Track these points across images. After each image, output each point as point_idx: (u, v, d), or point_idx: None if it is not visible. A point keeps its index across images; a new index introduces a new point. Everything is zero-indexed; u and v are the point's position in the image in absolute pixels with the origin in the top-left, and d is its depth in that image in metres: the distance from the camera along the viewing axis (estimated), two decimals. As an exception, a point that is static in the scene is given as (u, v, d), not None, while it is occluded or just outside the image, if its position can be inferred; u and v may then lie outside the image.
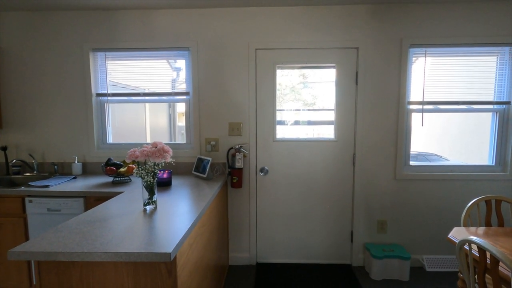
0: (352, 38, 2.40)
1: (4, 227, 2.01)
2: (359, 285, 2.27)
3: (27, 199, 1.96)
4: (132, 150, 1.42)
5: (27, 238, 2.01)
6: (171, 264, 1.09)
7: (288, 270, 2.49)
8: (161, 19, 2.44)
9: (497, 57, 2.40)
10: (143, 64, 2.54)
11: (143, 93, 2.54)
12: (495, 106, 2.44)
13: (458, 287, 1.65)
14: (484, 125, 2.55)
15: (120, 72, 2.56)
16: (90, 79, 2.49)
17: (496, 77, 2.41)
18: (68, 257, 1.02)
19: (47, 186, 2.03)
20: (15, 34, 2.49)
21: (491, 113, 2.49)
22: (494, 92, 2.43)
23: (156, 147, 1.44)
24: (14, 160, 2.40)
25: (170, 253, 1.01)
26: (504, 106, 2.43)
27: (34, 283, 2.03)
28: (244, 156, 2.51)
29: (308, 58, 2.45)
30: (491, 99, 2.43)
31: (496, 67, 2.41)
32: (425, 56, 2.42)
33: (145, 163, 1.45)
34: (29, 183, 2.09)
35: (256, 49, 2.44)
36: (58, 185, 2.09)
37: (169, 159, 1.47)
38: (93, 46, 2.47)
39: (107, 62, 2.53)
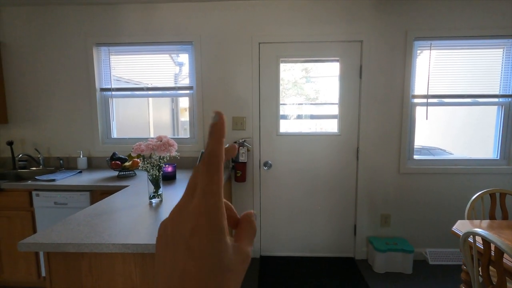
0: (356, 31, 2.38)
1: (13, 221, 2.05)
2: (362, 278, 2.29)
3: (34, 193, 1.98)
4: (137, 143, 1.43)
5: (34, 231, 2.04)
6: (178, 256, 1.10)
7: (292, 263, 2.51)
8: (164, 13, 2.43)
9: (503, 50, 2.37)
10: (147, 59, 2.54)
11: (147, 88, 2.55)
12: (500, 99, 2.42)
13: (461, 280, 1.66)
14: (489, 119, 2.53)
15: (124, 66, 2.57)
16: (94, 73, 2.50)
17: (502, 70, 2.39)
18: (77, 248, 1.04)
19: (53, 180, 2.05)
20: (19, 29, 2.49)
21: (496, 107, 2.47)
22: (500, 85, 2.40)
23: (161, 141, 1.45)
24: (20, 155, 2.42)
25: (177, 244, 1.02)
26: (509, 99, 2.41)
27: (43, 275, 2.07)
28: (248, 150, 2.52)
29: (311, 52, 2.43)
30: (496, 92, 2.41)
31: (502, 60, 2.38)
32: (430, 49, 2.39)
33: (150, 156, 1.46)
34: (36, 177, 2.11)
35: (259, 43, 2.43)
36: (64, 179, 2.11)
37: (174, 153, 1.48)
38: (96, 41, 2.47)
39: (111, 56, 2.53)
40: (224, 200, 0.24)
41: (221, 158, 0.24)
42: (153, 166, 1.45)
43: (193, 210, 0.23)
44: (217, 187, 0.23)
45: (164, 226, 0.25)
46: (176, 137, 2.62)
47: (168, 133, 3.57)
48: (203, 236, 0.22)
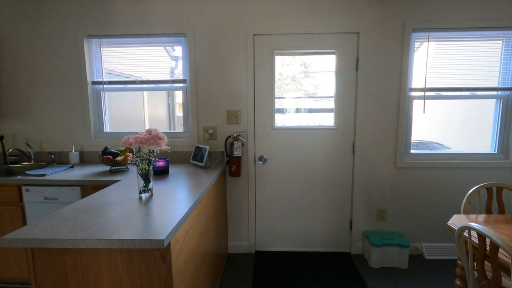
0: (353, 22, 2.32)
1: (2, 216, 2.01)
2: (358, 272, 2.28)
3: (23, 188, 1.95)
4: (126, 137, 1.39)
5: (25, 227, 2.01)
6: (165, 251, 1.07)
7: (288, 258, 2.50)
8: (157, 4, 2.37)
9: (503, 42, 2.33)
10: (139, 51, 2.48)
11: (140, 81, 2.50)
12: (499, 93, 2.38)
13: (457, 274, 1.65)
14: (487, 112, 2.50)
15: (116, 59, 2.51)
16: (85, 66, 2.44)
17: (501, 63, 2.35)
18: (60, 244, 1.01)
19: (43, 175, 2.01)
20: (8, 21, 2.42)
21: (494, 100, 2.44)
22: (499, 78, 2.37)
23: (150, 134, 1.41)
24: (11, 149, 2.38)
25: (163, 239, 1.00)
26: (508, 92, 2.38)
27: (34, 270, 2.04)
28: (243, 144, 2.48)
29: (307, 44, 2.38)
30: (495, 85, 2.37)
31: (501, 52, 2.34)
32: (428, 41, 2.35)
33: (139, 150, 1.42)
34: (26, 172, 2.08)
35: (254, 35, 2.38)
36: (55, 174, 2.08)
37: (164, 146, 1.44)
38: (87, 33, 2.41)
39: (102, 49, 2.48)
40: None
41: None
42: (142, 160, 1.42)
43: None
44: None
45: None
46: (169, 131, 2.58)
47: (164, 128, 3.53)
48: None
